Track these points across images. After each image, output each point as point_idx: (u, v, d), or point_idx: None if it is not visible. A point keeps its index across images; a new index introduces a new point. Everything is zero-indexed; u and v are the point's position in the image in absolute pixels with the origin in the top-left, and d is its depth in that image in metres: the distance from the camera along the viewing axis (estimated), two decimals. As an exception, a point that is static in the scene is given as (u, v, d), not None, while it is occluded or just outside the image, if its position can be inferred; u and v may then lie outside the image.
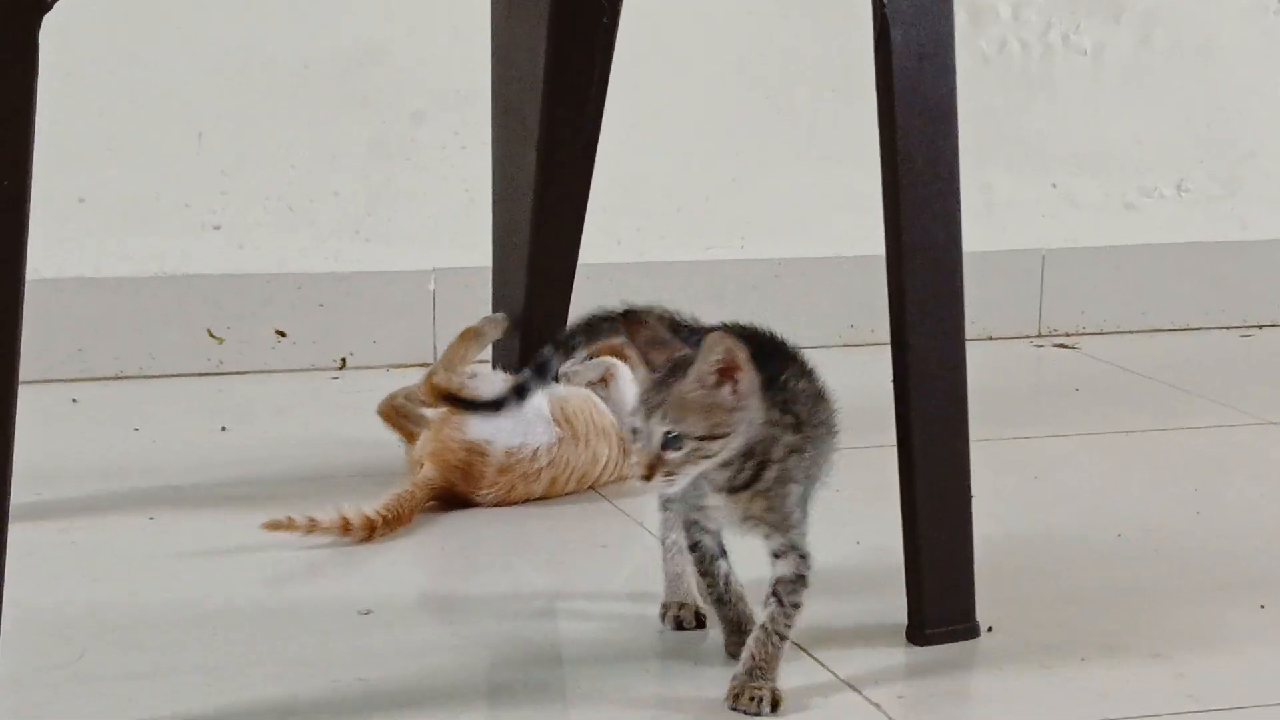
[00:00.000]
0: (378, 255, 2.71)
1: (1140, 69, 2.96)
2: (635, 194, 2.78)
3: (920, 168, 1.68)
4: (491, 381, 2.09)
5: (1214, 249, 3.02)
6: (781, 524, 1.58)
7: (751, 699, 1.56)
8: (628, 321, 1.58)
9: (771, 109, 2.83)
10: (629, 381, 2.16)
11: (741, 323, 1.63)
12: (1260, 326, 3.05)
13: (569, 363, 1.74)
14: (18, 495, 1.52)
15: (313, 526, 1.94)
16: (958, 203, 1.69)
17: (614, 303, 2.83)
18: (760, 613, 1.59)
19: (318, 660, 1.68)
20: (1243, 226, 3.04)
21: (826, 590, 1.87)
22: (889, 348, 1.72)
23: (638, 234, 2.81)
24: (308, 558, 1.94)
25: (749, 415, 1.53)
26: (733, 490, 1.56)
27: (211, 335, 2.66)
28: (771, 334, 1.64)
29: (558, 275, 2.20)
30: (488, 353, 2.29)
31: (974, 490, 1.74)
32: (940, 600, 1.73)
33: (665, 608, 1.74)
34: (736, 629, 1.65)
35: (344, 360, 2.71)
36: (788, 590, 1.58)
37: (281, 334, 2.69)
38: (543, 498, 2.11)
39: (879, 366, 2.05)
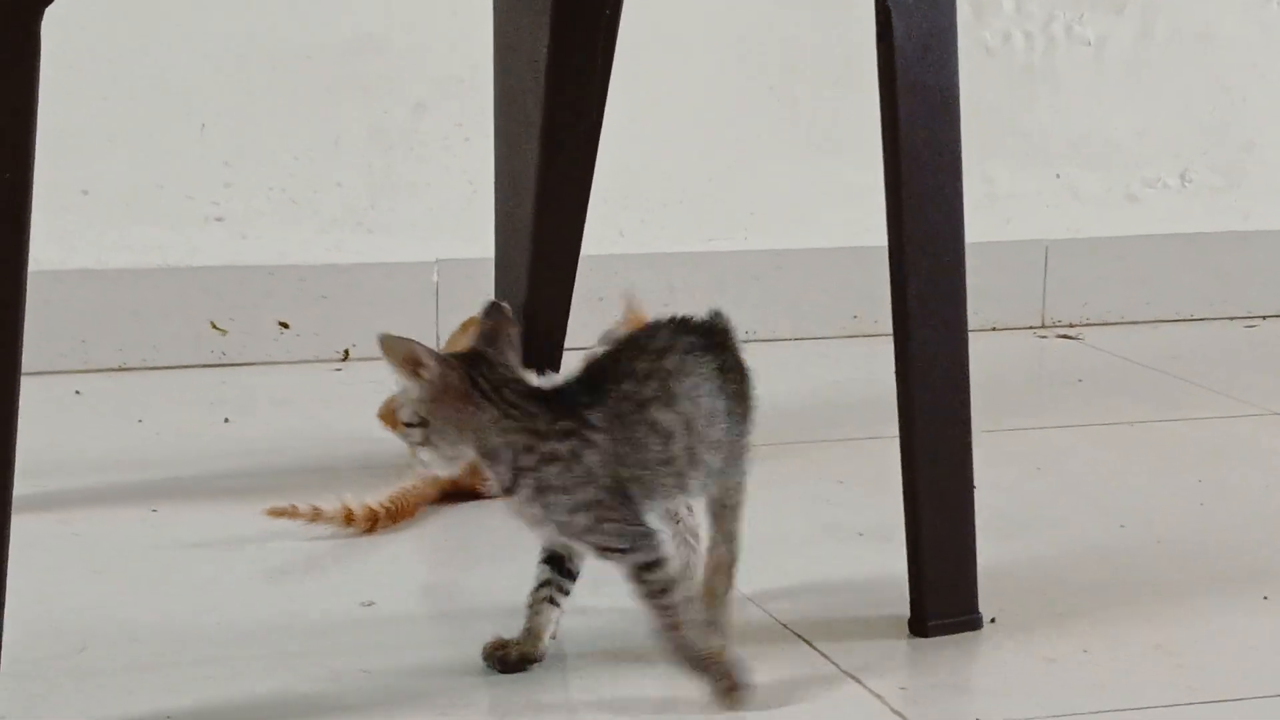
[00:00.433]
0: (380, 246, 2.71)
1: (1143, 60, 2.96)
2: (637, 185, 2.78)
3: (923, 159, 1.67)
4: None
5: (1217, 240, 3.02)
6: (568, 530, 1.57)
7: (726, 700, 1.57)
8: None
9: (773, 100, 2.83)
10: None
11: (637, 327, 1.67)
12: (1264, 317, 3.04)
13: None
14: (19, 487, 1.51)
15: (316, 515, 1.94)
16: (960, 194, 1.69)
17: (616, 295, 2.84)
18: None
19: (319, 652, 1.68)
20: (1245, 217, 3.03)
21: (828, 581, 1.87)
22: (891, 339, 1.72)
23: (640, 225, 2.81)
24: (309, 550, 1.94)
25: (458, 415, 1.55)
26: (506, 493, 1.58)
27: (214, 327, 2.66)
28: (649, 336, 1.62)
29: (560, 266, 2.20)
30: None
31: (976, 481, 1.74)
32: (942, 592, 1.73)
33: None
34: (527, 635, 1.65)
35: (347, 352, 2.71)
36: (635, 589, 1.57)
37: (284, 325, 2.69)
38: None
39: (881, 357, 2.05)
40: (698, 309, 1.66)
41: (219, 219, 2.67)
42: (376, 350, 1.57)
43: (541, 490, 1.56)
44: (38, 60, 1.40)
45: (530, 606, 1.64)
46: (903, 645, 1.72)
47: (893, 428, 1.74)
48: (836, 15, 2.81)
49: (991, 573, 1.77)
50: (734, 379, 1.61)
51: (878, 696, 1.61)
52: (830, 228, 2.87)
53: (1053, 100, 2.93)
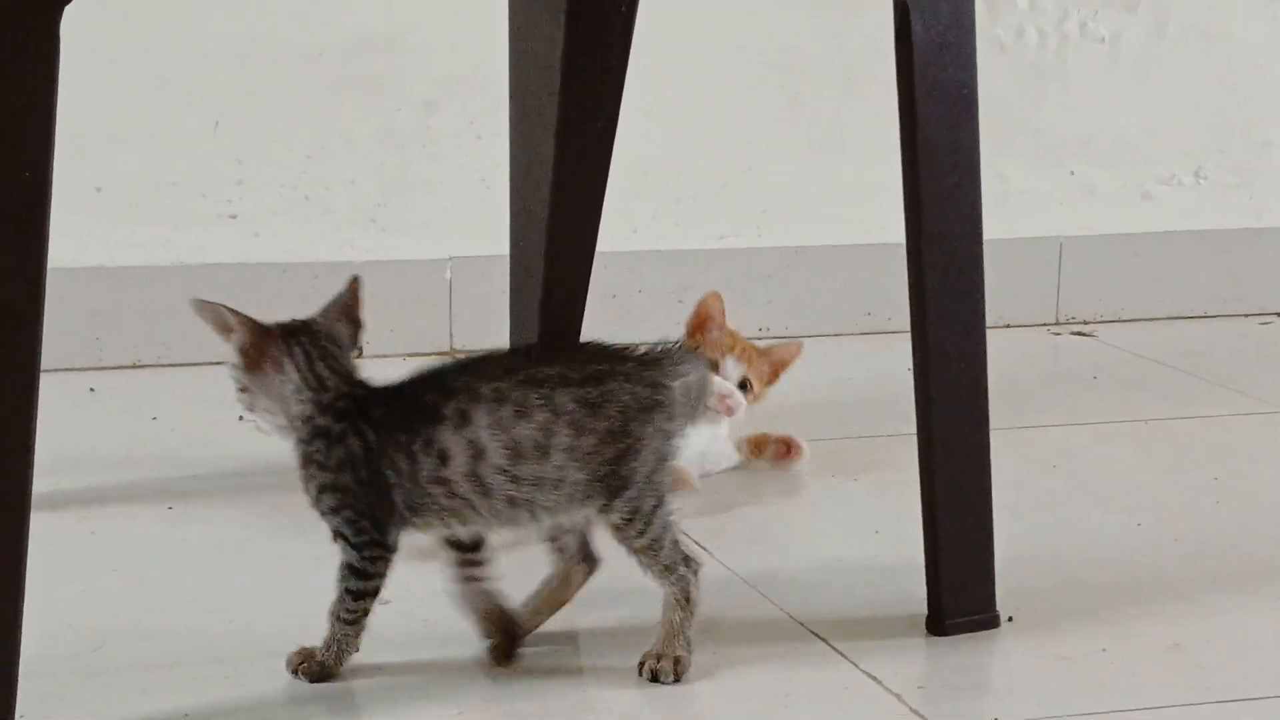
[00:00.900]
0: (393, 244, 2.71)
1: (1156, 57, 2.96)
2: (650, 182, 2.78)
3: (941, 158, 1.67)
4: None
5: (1231, 237, 3.02)
6: (317, 506, 1.61)
7: (296, 670, 1.61)
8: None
9: (786, 97, 2.83)
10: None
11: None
12: (1277, 314, 3.04)
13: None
14: (35, 485, 1.51)
15: None
16: (978, 193, 1.69)
17: (629, 292, 2.83)
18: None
19: (337, 650, 1.68)
20: (1259, 215, 3.03)
21: (845, 580, 1.87)
22: (904, 336, 1.72)
23: (653, 222, 2.81)
24: (325, 546, 1.93)
25: (266, 381, 1.60)
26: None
27: (228, 324, 2.66)
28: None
29: (576, 263, 2.19)
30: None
31: (992, 479, 1.74)
32: (960, 590, 1.73)
33: None
34: (523, 608, 1.70)
35: (360, 350, 2.70)
36: (340, 575, 1.61)
37: (297, 323, 2.69)
38: None
39: (895, 354, 2.05)
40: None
41: (232, 217, 2.67)
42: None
43: (305, 461, 1.60)
44: (57, 60, 1.40)
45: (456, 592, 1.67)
46: (920, 643, 1.71)
47: (908, 425, 1.74)
48: (850, 12, 2.81)
49: (1008, 571, 1.77)
50: (607, 417, 1.58)
51: (895, 695, 1.61)
52: (843, 225, 2.86)
53: (1066, 97, 2.93)
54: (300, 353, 1.60)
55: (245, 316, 1.59)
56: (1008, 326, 2.92)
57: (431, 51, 2.69)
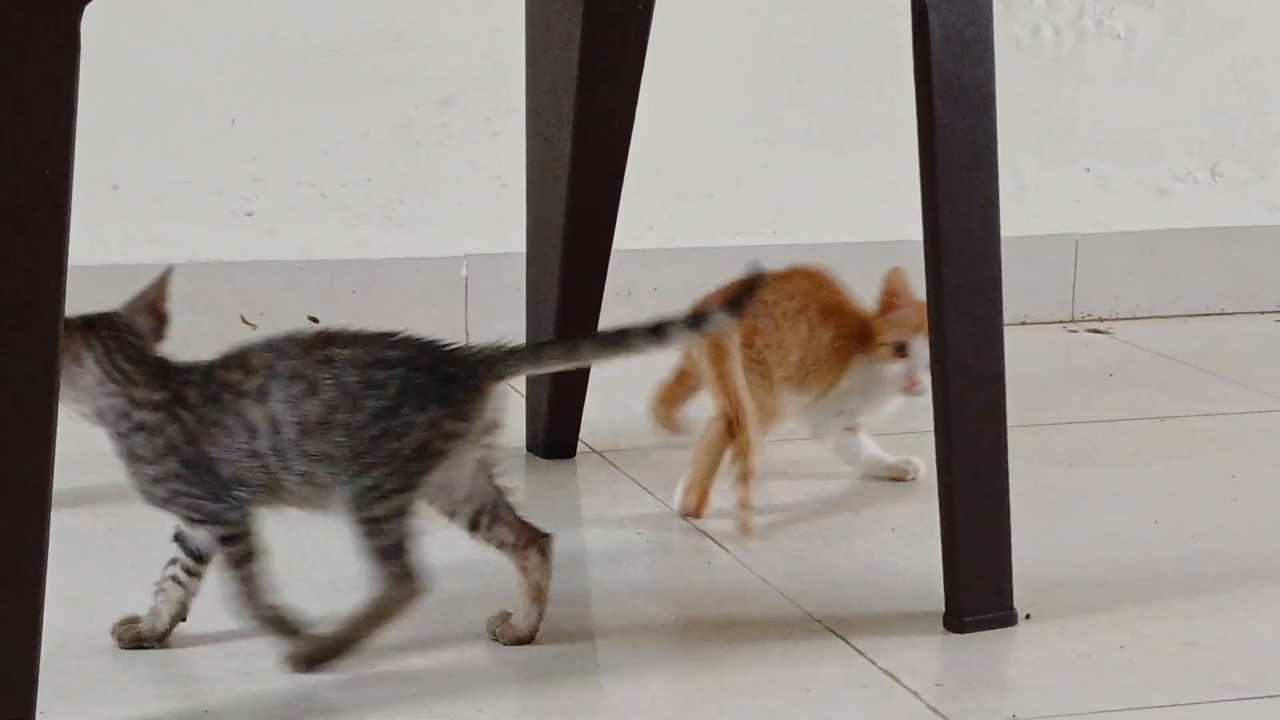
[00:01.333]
0: (409, 241, 2.71)
1: (1172, 53, 2.95)
2: (666, 179, 2.78)
3: (959, 155, 1.67)
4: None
5: (1247, 233, 3.01)
6: (151, 500, 1.62)
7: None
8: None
9: (801, 94, 2.83)
10: None
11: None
12: (1293, 311, 3.04)
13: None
14: (55, 482, 1.52)
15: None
16: (995, 190, 1.69)
17: (644, 289, 2.83)
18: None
19: (355, 647, 1.68)
20: (1274, 211, 3.03)
21: (863, 577, 1.87)
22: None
23: (668, 220, 2.81)
24: (338, 542, 1.94)
25: (68, 374, 1.58)
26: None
27: (244, 321, 2.67)
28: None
29: (591, 260, 2.20)
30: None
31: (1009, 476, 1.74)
32: (977, 588, 1.73)
33: None
34: (150, 613, 1.68)
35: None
36: (222, 559, 1.63)
37: (313, 320, 2.69)
38: None
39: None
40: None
41: (248, 214, 2.68)
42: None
43: (130, 458, 1.61)
44: (77, 59, 1.40)
45: (156, 584, 1.67)
46: (938, 641, 1.71)
47: (925, 422, 1.74)
48: (867, 9, 2.81)
49: (1025, 568, 1.77)
50: (386, 397, 1.58)
51: (913, 693, 1.61)
52: (858, 222, 2.86)
53: (1082, 94, 2.93)
54: (100, 345, 1.62)
55: None
56: (1023, 324, 2.92)
57: (447, 48, 2.69)
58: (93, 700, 1.58)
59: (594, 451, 2.26)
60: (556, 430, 2.23)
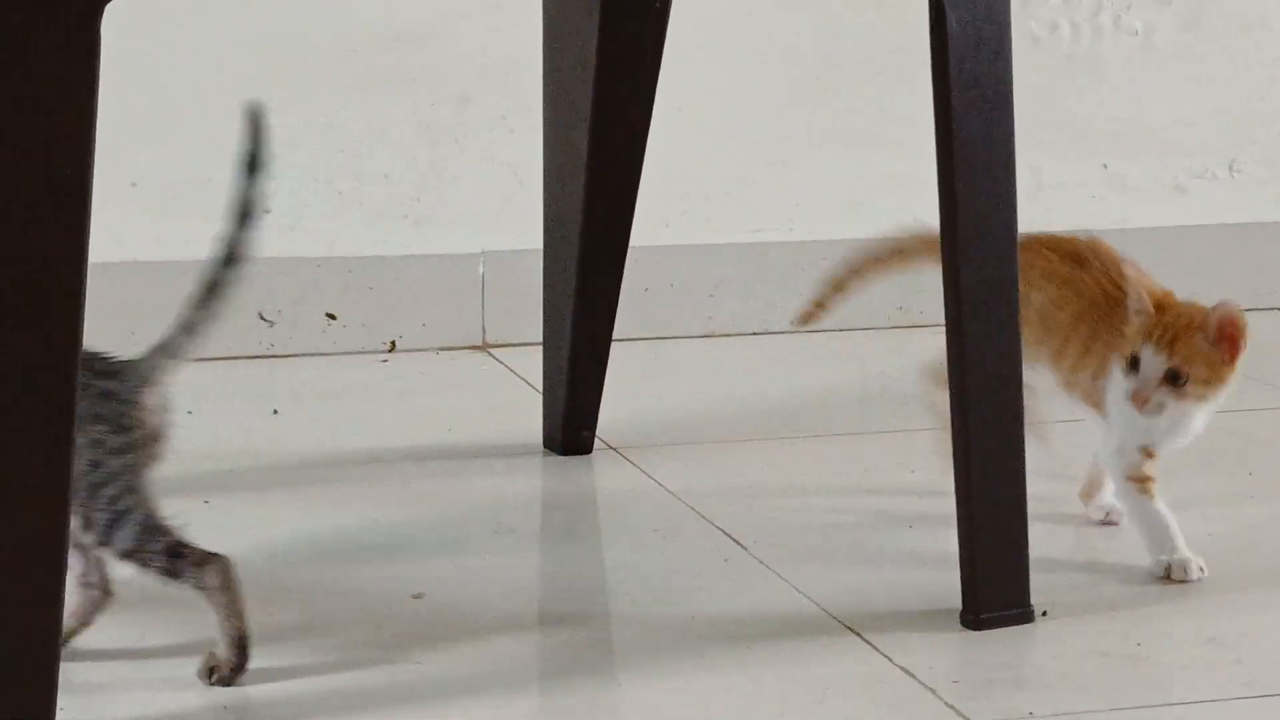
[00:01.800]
0: (427, 238, 2.72)
1: (1189, 50, 2.95)
2: (682, 177, 2.78)
3: (976, 153, 1.67)
4: None
5: (1265, 230, 3.01)
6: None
7: None
8: None
9: (819, 90, 2.83)
10: None
11: None
12: (1311, 308, 3.03)
13: None
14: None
15: None
16: (1013, 187, 1.69)
17: (661, 286, 2.83)
18: None
19: (372, 644, 1.68)
20: (1290, 208, 3.02)
21: (879, 574, 1.87)
22: (935, 330, 1.72)
23: (684, 217, 2.81)
24: (358, 540, 1.94)
25: None
26: None
27: (262, 318, 2.67)
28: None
29: (609, 257, 2.20)
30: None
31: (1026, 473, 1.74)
32: (994, 584, 1.73)
33: None
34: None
35: (393, 343, 2.71)
36: None
37: (331, 317, 2.70)
38: None
39: (928, 349, 2.05)
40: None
41: (266, 211, 2.67)
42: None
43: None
44: (98, 59, 1.41)
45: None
46: (955, 638, 1.71)
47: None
48: (884, 5, 2.81)
49: (1043, 565, 1.77)
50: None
51: (930, 689, 1.61)
52: (876, 219, 2.86)
53: (1099, 90, 2.92)
54: None
55: None
56: (1040, 320, 2.91)
57: (465, 45, 2.69)
58: (112, 697, 1.58)
59: (611, 448, 2.26)
60: (573, 427, 2.23)
